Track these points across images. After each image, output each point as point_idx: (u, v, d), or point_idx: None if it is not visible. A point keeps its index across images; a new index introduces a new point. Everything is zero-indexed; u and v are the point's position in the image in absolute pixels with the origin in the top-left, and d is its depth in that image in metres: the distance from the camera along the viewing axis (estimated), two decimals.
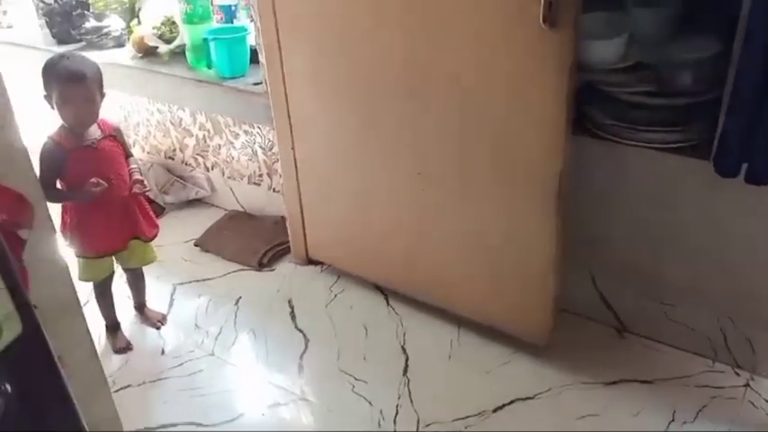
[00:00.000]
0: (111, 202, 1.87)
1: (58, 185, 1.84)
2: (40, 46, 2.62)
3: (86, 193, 1.80)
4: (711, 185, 1.65)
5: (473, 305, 1.99)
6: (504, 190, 1.75)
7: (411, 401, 1.84)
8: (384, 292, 2.24)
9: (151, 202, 2.60)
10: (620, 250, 1.89)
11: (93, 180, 1.79)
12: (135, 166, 1.96)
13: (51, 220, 1.34)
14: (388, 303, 2.20)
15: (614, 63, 1.77)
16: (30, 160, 1.24)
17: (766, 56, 1.43)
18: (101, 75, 1.83)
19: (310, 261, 2.39)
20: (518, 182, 1.71)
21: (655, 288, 1.89)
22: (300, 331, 2.12)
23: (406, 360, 1.98)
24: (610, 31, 1.77)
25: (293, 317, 2.18)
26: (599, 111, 1.80)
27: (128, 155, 1.96)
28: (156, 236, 2.03)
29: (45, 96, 1.79)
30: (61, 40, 2.62)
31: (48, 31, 2.65)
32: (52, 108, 1.79)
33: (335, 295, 2.26)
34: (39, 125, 1.87)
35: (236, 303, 2.26)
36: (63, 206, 1.88)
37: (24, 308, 0.85)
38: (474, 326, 2.03)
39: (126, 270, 2.11)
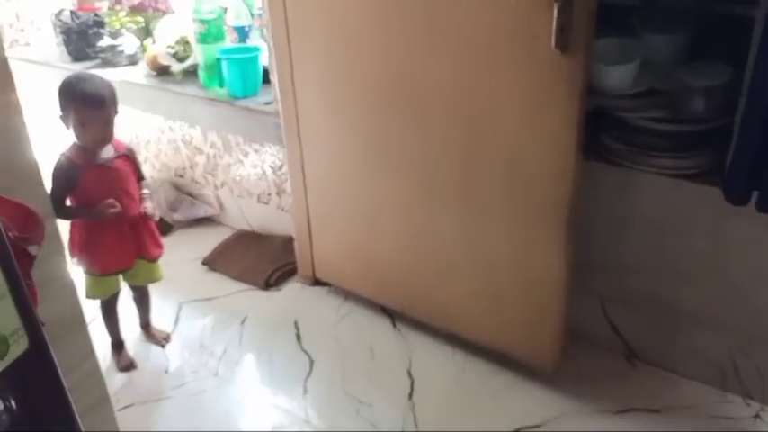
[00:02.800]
0: (121, 221, 1.88)
1: (68, 202, 1.84)
2: (56, 63, 2.64)
3: (99, 212, 1.81)
4: (723, 212, 1.64)
5: (480, 329, 1.97)
6: (514, 214, 1.74)
7: (416, 425, 1.82)
8: (391, 314, 2.22)
9: (160, 219, 2.61)
10: (630, 277, 1.88)
11: (110, 201, 1.80)
12: (147, 191, 1.97)
13: (60, 237, 1.35)
14: (394, 326, 2.19)
15: (627, 89, 1.77)
16: (41, 176, 1.25)
17: None
18: (116, 95, 1.84)
19: (317, 281, 2.39)
20: (528, 206, 1.70)
21: (665, 316, 1.87)
22: (306, 353, 2.10)
23: (412, 384, 1.96)
24: (622, 57, 1.77)
25: (299, 338, 2.17)
26: (611, 136, 1.80)
27: (140, 177, 1.97)
28: (159, 256, 2.03)
29: (61, 117, 1.80)
30: (77, 57, 2.65)
31: (64, 48, 2.67)
32: (67, 128, 1.80)
33: (342, 317, 2.25)
34: (52, 141, 1.88)
35: (242, 323, 2.25)
36: (71, 223, 1.89)
37: (32, 324, 0.84)
38: (481, 350, 2.01)
39: (132, 288, 2.11)
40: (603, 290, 1.94)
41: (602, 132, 1.81)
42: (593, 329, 1.99)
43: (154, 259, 2.02)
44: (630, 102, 1.78)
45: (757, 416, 1.78)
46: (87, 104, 1.77)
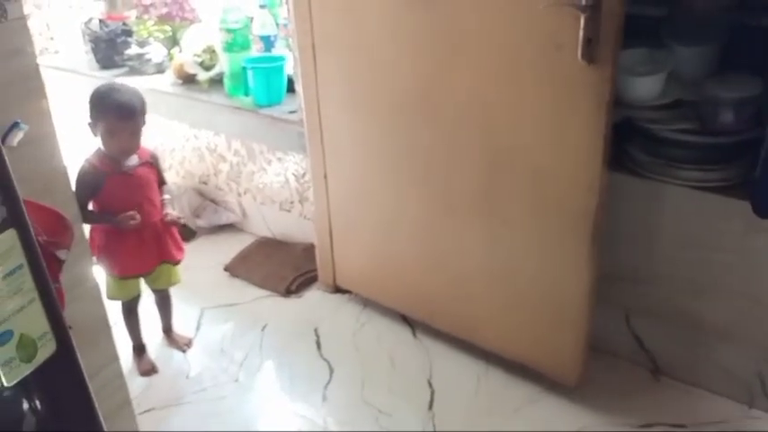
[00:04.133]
0: (142, 227, 1.89)
1: (90, 206, 1.87)
2: (84, 71, 2.69)
3: (120, 222, 1.84)
4: (750, 226, 1.62)
5: (502, 341, 1.96)
6: (537, 224, 1.73)
7: None
8: (411, 323, 2.22)
9: (183, 225, 2.64)
10: (655, 290, 1.85)
11: (131, 213, 1.83)
12: (167, 196, 1.99)
13: (86, 241, 1.37)
14: (414, 335, 2.18)
15: (654, 100, 1.76)
16: (70, 182, 1.27)
17: None
18: (145, 105, 1.87)
19: (338, 289, 2.39)
20: (552, 217, 1.69)
21: (691, 330, 1.84)
22: (326, 360, 2.10)
23: (432, 394, 1.95)
24: (650, 68, 1.76)
25: (319, 345, 2.17)
26: (638, 148, 1.78)
27: (161, 182, 1.99)
28: (182, 260, 2.05)
29: (89, 124, 1.83)
30: (105, 65, 2.69)
31: (92, 56, 2.72)
32: (95, 135, 1.83)
33: (362, 325, 2.25)
34: (78, 147, 1.91)
35: (263, 330, 2.26)
36: (92, 226, 1.91)
37: (59, 328, 0.85)
38: (502, 362, 1.99)
39: (154, 291, 2.13)
40: (628, 302, 1.92)
41: (628, 144, 1.79)
42: (618, 342, 1.97)
43: (176, 262, 2.04)
44: (658, 113, 1.76)
45: None
46: (119, 115, 1.79)
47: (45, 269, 0.84)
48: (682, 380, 1.91)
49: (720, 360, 1.82)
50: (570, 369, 1.84)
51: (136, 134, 1.84)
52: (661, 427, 1.79)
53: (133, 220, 1.84)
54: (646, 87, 1.75)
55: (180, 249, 2.05)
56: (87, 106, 1.82)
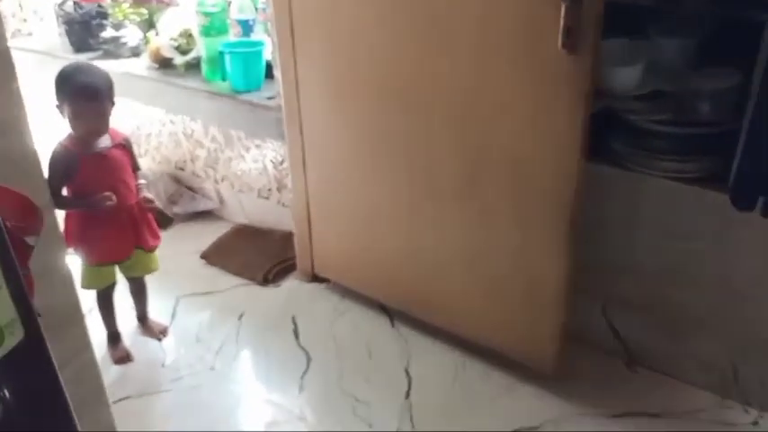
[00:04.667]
0: (117, 211, 1.86)
1: (64, 192, 1.83)
2: (58, 54, 2.63)
3: (96, 203, 1.80)
4: (728, 218, 1.63)
5: (480, 330, 1.96)
6: (516, 214, 1.73)
7: (412, 425, 1.81)
8: (389, 312, 2.21)
9: (159, 212, 2.60)
10: (632, 280, 1.86)
11: (107, 194, 1.79)
12: (143, 181, 1.96)
13: (59, 227, 1.33)
14: (392, 325, 2.18)
15: (633, 90, 1.76)
16: (41, 167, 1.24)
17: None
18: (113, 86, 1.83)
19: (316, 278, 2.37)
20: (530, 206, 1.69)
21: (666, 320, 1.86)
22: (303, 349, 2.09)
23: (410, 383, 1.95)
24: (629, 58, 1.76)
25: (296, 334, 2.16)
26: (618, 138, 1.78)
27: (135, 167, 1.96)
28: (157, 246, 2.02)
29: (57, 106, 1.79)
30: (79, 48, 2.63)
31: (66, 39, 2.66)
32: (63, 118, 1.79)
33: (340, 314, 2.24)
34: (52, 131, 1.87)
35: (240, 318, 2.24)
36: (66, 213, 1.87)
37: (28, 315, 0.83)
38: (480, 351, 1.99)
39: (129, 279, 2.09)
40: (605, 292, 1.93)
41: (607, 134, 1.80)
42: (594, 332, 1.98)
43: (151, 249, 2.01)
44: (636, 104, 1.77)
45: (756, 423, 1.77)
46: (83, 96, 1.76)
47: (13, 255, 0.81)
48: (657, 370, 1.93)
49: (695, 351, 1.84)
50: (547, 358, 1.84)
51: (103, 115, 1.80)
52: (636, 416, 1.81)
53: (109, 200, 1.80)
54: (625, 77, 1.76)
55: (155, 236, 2.01)
56: (54, 87, 1.78)
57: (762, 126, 1.48)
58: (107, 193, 1.80)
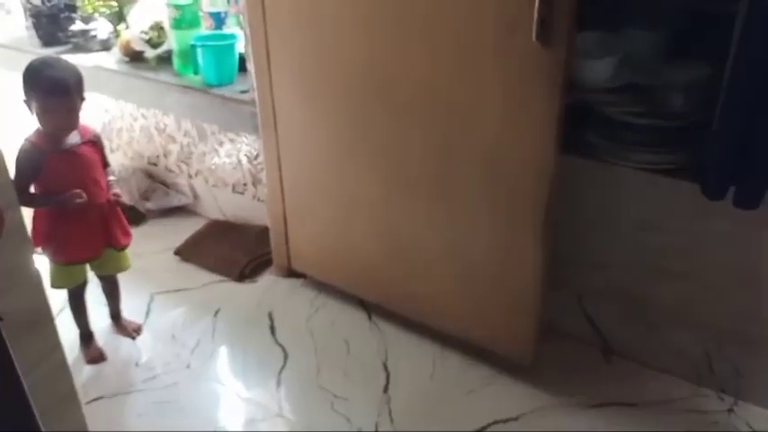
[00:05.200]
0: (87, 209, 1.82)
1: (32, 190, 1.79)
2: (25, 48, 2.57)
3: (65, 201, 1.76)
4: (700, 209, 1.64)
5: (457, 323, 1.96)
6: (491, 207, 1.72)
7: (391, 420, 1.80)
8: (367, 306, 2.20)
9: (131, 208, 2.56)
10: (607, 271, 1.88)
11: (77, 191, 1.75)
12: (113, 177, 1.92)
13: (25, 227, 1.30)
14: (370, 319, 2.17)
15: (606, 83, 1.77)
16: (4, 164, 1.20)
17: (754, 80, 1.43)
18: (82, 81, 1.79)
19: (292, 273, 2.35)
20: (505, 199, 1.69)
21: (642, 310, 1.87)
22: (280, 345, 2.07)
23: (387, 377, 1.94)
24: (602, 51, 1.77)
25: (273, 330, 2.14)
26: (592, 131, 1.79)
27: (105, 164, 1.92)
28: (128, 245, 1.98)
29: (24, 101, 1.74)
30: (47, 42, 2.58)
31: (34, 32, 2.60)
32: (31, 113, 1.75)
33: (317, 309, 2.22)
34: (20, 127, 1.83)
35: (215, 315, 2.21)
36: (35, 212, 1.82)
37: None
38: (458, 344, 1.99)
39: (100, 278, 2.06)
40: (581, 284, 1.94)
41: (582, 127, 1.80)
42: (571, 323, 1.99)
43: (122, 248, 1.97)
44: (610, 96, 1.77)
45: (731, 410, 1.79)
46: (51, 91, 1.71)
47: None
48: (633, 359, 1.94)
49: (670, 340, 1.86)
50: (524, 350, 1.85)
51: (72, 111, 1.76)
52: (613, 406, 1.82)
53: (79, 198, 1.76)
54: (598, 70, 1.76)
55: (126, 234, 1.98)
56: (21, 84, 1.73)
57: (732, 116, 1.49)
58: (77, 191, 1.76)
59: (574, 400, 1.83)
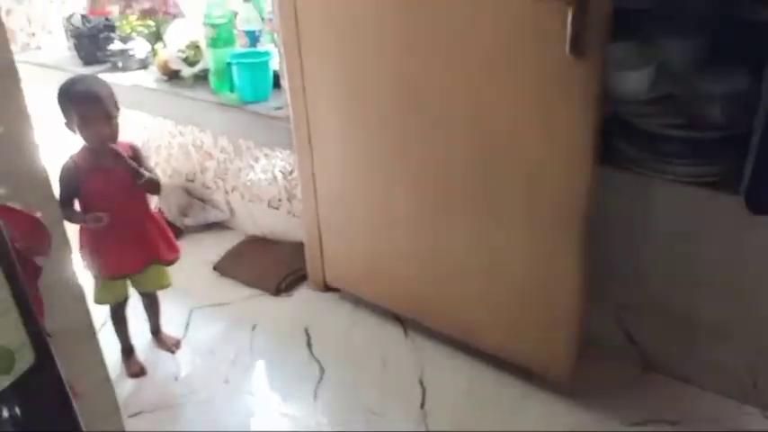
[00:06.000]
0: (127, 224, 1.87)
1: (76, 206, 1.84)
2: (66, 67, 2.64)
3: (88, 221, 1.81)
4: (741, 221, 1.61)
5: (493, 339, 1.94)
6: (528, 221, 1.71)
7: None
8: (403, 322, 2.20)
9: (170, 224, 2.60)
10: (646, 286, 1.84)
11: (100, 214, 1.80)
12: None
13: (69, 243, 1.33)
14: (406, 334, 2.16)
15: (642, 94, 1.75)
16: (49, 183, 1.24)
17: None
18: (113, 93, 1.85)
19: (328, 288, 2.36)
20: (542, 213, 1.68)
21: (683, 326, 1.83)
22: (316, 360, 2.08)
23: (424, 393, 1.93)
24: (638, 62, 1.75)
25: (310, 345, 2.15)
26: (627, 142, 1.77)
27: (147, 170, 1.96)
28: (176, 259, 2.02)
29: (65, 123, 1.81)
30: (88, 61, 2.65)
31: (75, 52, 2.68)
32: (74, 132, 1.81)
33: (353, 324, 2.23)
34: (63, 145, 1.88)
35: (253, 329, 2.23)
36: (81, 227, 1.88)
37: (38, 338, 0.83)
38: (494, 360, 1.98)
39: (141, 294, 2.10)
40: (619, 298, 1.91)
41: (618, 139, 1.78)
42: (609, 339, 1.96)
43: (168, 262, 2.00)
44: (646, 108, 1.75)
45: None
46: (85, 102, 1.77)
47: (22, 277, 0.81)
48: (674, 376, 1.90)
49: (712, 356, 1.82)
50: (562, 366, 1.82)
51: (109, 120, 1.81)
52: (654, 424, 1.78)
53: (99, 221, 1.80)
54: (634, 82, 1.74)
55: (172, 249, 2.00)
56: (58, 106, 1.80)
57: None
58: (100, 214, 1.80)
59: (614, 418, 1.80)
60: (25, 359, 0.82)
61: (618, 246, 1.83)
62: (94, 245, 1.88)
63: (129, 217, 1.87)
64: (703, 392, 1.85)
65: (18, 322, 0.80)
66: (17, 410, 0.85)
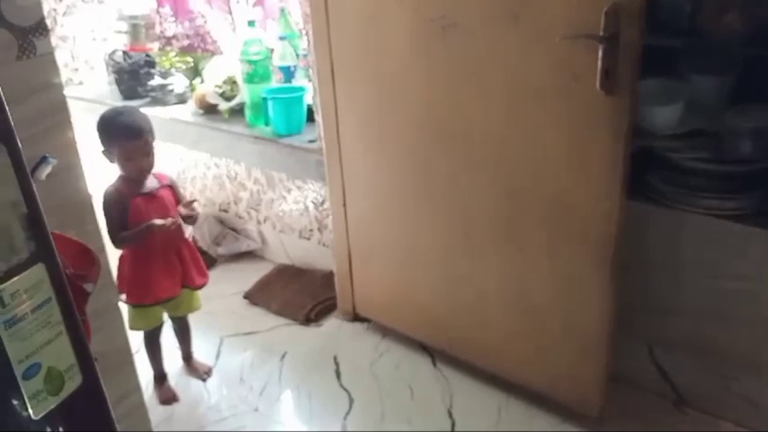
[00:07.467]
0: (166, 250, 1.93)
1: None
2: (108, 101, 2.74)
3: (149, 227, 1.85)
4: None
5: (522, 371, 1.94)
6: (556, 253, 1.72)
7: None
8: (431, 352, 2.21)
9: (203, 253, 2.66)
10: (678, 319, 1.83)
11: (155, 221, 1.86)
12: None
13: (111, 271, 1.38)
14: (434, 364, 2.17)
15: (672, 129, 1.76)
16: (95, 212, 1.29)
17: None
18: (150, 124, 1.92)
19: (357, 317, 2.39)
20: (571, 246, 1.69)
21: (715, 360, 1.81)
22: (345, 390, 2.10)
23: (453, 424, 1.93)
24: (667, 98, 1.76)
25: (338, 374, 2.16)
26: (658, 176, 1.78)
27: (181, 202, 2.02)
28: (205, 284, 2.07)
29: (103, 152, 1.88)
30: (128, 96, 2.74)
31: (116, 87, 2.77)
32: (111, 162, 1.88)
33: (381, 354, 2.24)
34: (101, 176, 1.94)
35: (282, 358, 2.26)
36: (120, 258, 1.94)
37: (86, 360, 0.86)
38: (523, 392, 1.97)
39: (173, 319, 2.14)
40: (650, 332, 1.90)
41: (648, 172, 1.79)
42: (640, 373, 1.94)
43: (198, 287, 2.06)
44: (676, 142, 1.76)
45: None
46: (130, 136, 1.84)
47: (72, 302, 0.85)
48: (706, 412, 1.87)
49: (746, 392, 1.79)
50: (592, 399, 1.81)
51: (149, 151, 1.88)
52: None
53: (156, 227, 1.85)
54: (664, 117, 1.76)
55: (203, 274, 2.07)
56: (97, 134, 1.86)
57: None
58: (155, 220, 1.86)
59: None
60: (73, 381, 0.86)
61: (649, 279, 1.83)
62: (135, 273, 1.94)
63: (169, 242, 1.94)
64: (737, 428, 1.82)
65: (68, 345, 0.84)
66: (61, 430, 0.88)
